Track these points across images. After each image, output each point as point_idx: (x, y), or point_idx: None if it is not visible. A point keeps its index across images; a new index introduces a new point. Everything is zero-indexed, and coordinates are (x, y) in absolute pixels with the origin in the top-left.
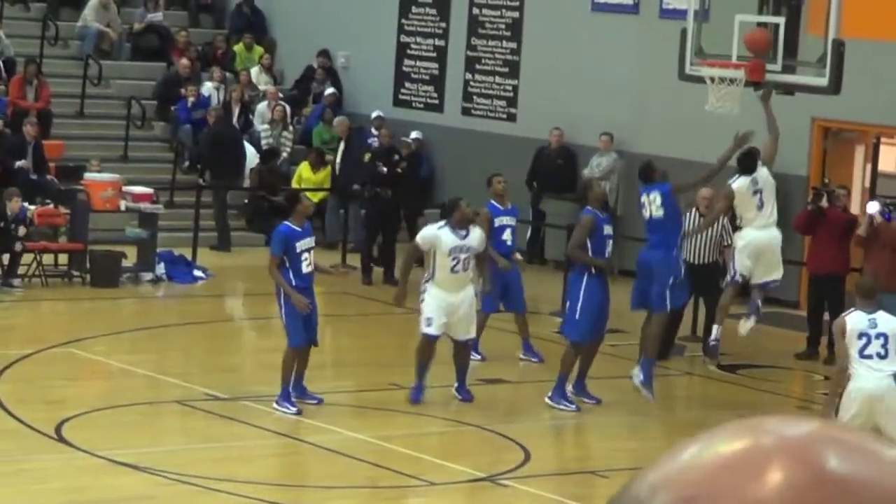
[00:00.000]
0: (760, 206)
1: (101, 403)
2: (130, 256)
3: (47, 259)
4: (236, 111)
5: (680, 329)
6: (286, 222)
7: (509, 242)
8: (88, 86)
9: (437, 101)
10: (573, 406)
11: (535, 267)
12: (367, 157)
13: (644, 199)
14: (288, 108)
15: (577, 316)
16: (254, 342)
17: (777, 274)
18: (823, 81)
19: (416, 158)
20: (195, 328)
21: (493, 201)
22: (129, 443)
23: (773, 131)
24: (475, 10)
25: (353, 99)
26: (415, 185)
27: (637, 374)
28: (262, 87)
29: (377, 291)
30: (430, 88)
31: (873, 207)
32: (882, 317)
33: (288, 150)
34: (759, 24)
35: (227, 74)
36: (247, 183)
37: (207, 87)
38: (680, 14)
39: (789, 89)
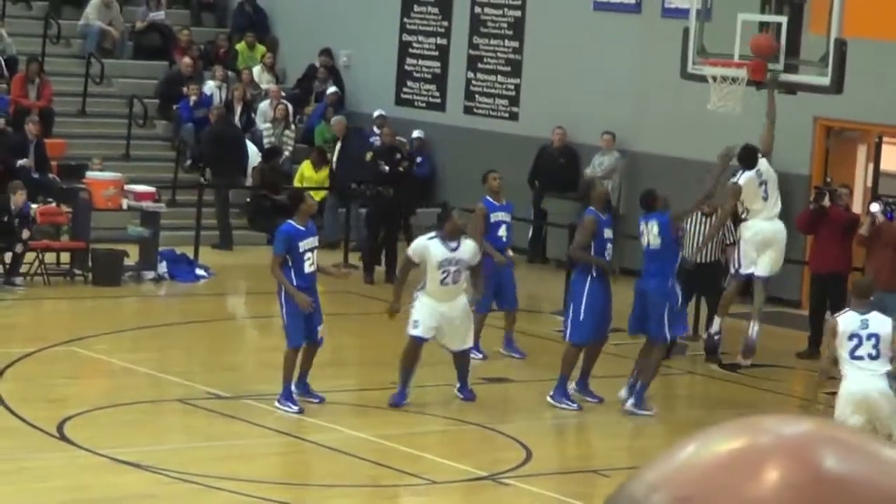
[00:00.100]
0: (766, 198)
1: (103, 402)
2: (132, 255)
3: (49, 258)
4: (238, 110)
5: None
6: (290, 221)
7: (504, 238)
8: (90, 84)
9: (439, 100)
10: (575, 405)
11: (537, 266)
12: (368, 155)
13: (643, 227)
14: (290, 107)
15: (580, 317)
16: (255, 341)
17: (776, 269)
18: (826, 81)
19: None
20: (197, 327)
21: (488, 197)
22: (131, 441)
23: (770, 116)
24: (477, 9)
25: (355, 98)
26: (415, 184)
27: (626, 399)
28: (264, 86)
29: (379, 290)
30: (433, 87)
31: (875, 206)
32: (875, 317)
33: (290, 148)
34: (762, 26)
35: (230, 73)
36: (249, 182)
37: (209, 86)
38: (682, 13)
39: (791, 88)
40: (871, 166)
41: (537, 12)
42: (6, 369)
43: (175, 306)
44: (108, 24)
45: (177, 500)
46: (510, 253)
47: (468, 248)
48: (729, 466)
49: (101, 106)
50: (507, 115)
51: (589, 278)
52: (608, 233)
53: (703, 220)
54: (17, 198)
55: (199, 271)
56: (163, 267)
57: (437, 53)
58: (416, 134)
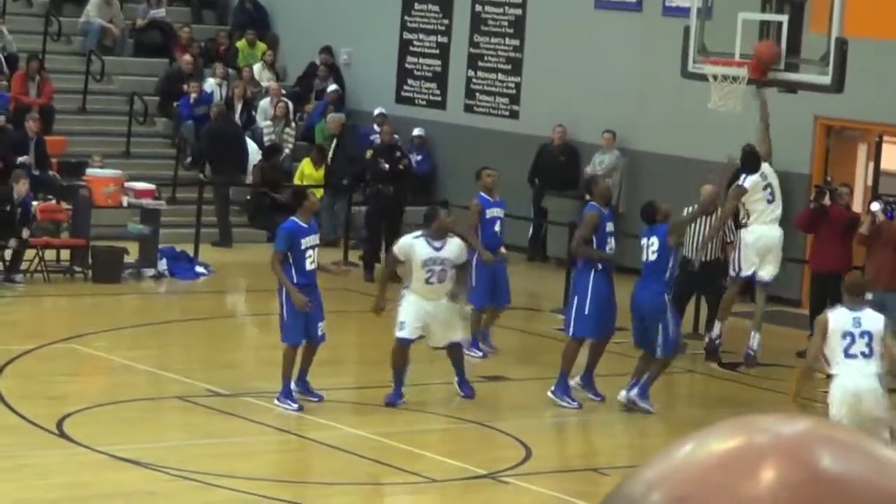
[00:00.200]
0: (771, 200)
1: (103, 399)
2: (132, 252)
3: (49, 255)
4: (239, 107)
5: (681, 328)
6: (293, 218)
7: (499, 234)
8: (91, 82)
9: (439, 98)
10: (575, 403)
11: (537, 264)
12: (369, 153)
13: (644, 242)
14: (290, 105)
15: (585, 312)
16: (255, 338)
17: (775, 271)
18: (826, 79)
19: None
20: (197, 324)
21: (482, 193)
22: (131, 438)
23: (763, 120)
24: (478, 7)
25: (356, 95)
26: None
27: (630, 396)
28: (264, 84)
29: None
30: (433, 85)
31: (876, 206)
32: (867, 315)
33: (290, 146)
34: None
35: (230, 71)
36: (249, 179)
37: (210, 84)
38: (683, 12)
39: (792, 87)
40: (871, 165)
41: (538, 10)
42: (6, 366)
43: (175, 303)
44: (109, 21)
45: (176, 497)
46: (502, 250)
47: (453, 247)
48: (726, 465)
49: (101, 103)
50: (507, 113)
51: (592, 273)
52: (610, 226)
53: (704, 219)
54: (20, 187)
55: (199, 269)
56: (163, 264)
57: (437, 51)
58: (416, 132)
